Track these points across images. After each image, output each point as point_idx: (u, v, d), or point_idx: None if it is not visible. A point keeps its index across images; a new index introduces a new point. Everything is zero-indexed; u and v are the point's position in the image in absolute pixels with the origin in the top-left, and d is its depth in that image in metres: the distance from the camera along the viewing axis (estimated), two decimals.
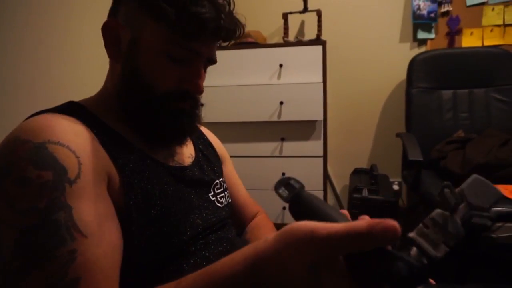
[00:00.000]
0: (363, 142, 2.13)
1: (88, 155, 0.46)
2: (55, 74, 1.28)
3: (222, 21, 0.53)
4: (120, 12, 0.55)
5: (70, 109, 0.52)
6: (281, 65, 1.76)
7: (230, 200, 0.70)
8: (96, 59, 1.41)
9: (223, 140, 0.83)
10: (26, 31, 1.16)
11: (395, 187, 2.02)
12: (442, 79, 1.85)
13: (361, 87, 2.10)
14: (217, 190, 0.66)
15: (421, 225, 0.30)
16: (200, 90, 0.56)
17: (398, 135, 1.79)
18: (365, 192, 1.56)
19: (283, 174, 1.80)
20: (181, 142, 0.62)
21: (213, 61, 0.58)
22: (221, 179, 0.69)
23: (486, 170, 1.45)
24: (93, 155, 0.47)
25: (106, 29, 0.55)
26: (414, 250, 0.29)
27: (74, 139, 0.46)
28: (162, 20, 0.51)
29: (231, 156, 0.83)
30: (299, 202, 0.38)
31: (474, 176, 0.30)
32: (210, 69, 0.61)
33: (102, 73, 0.61)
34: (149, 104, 0.54)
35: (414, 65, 1.86)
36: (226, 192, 0.69)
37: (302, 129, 1.78)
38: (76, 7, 1.39)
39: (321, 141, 1.77)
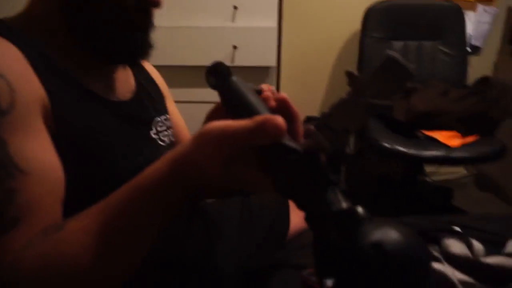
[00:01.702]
0: (315, 90, 2.16)
1: (22, 81, 0.41)
2: None
3: None
4: None
5: None
6: (235, 7, 1.68)
7: (173, 139, 0.68)
8: None
9: (171, 85, 0.78)
10: None
11: None
12: (395, 30, 1.88)
13: (316, 34, 2.08)
14: (159, 127, 0.63)
15: (326, 112, 0.30)
16: (158, 1, 0.52)
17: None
18: None
19: None
20: (133, 61, 0.58)
21: None
22: (163, 117, 0.66)
23: (427, 118, 1.55)
24: (27, 82, 0.42)
25: None
26: (308, 140, 0.31)
27: (4, 61, 0.40)
28: None
29: (178, 102, 0.79)
30: (225, 90, 0.40)
31: (388, 55, 0.28)
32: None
33: None
34: (101, 10, 0.48)
35: (369, 14, 1.86)
36: (169, 130, 0.66)
37: (255, 75, 1.74)
38: None
39: (274, 88, 1.76)
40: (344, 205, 0.28)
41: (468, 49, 1.98)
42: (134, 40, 0.53)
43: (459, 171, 2.26)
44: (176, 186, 0.35)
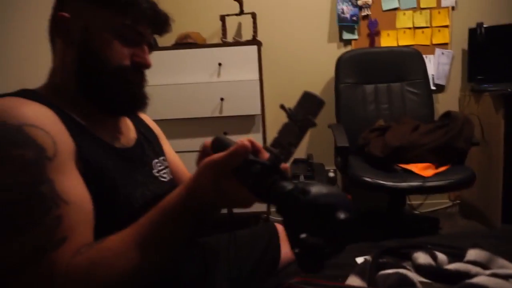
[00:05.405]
0: None
1: (59, 135, 0.53)
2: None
3: (157, 10, 0.65)
4: (67, 7, 0.62)
5: (27, 94, 0.57)
6: (220, 64, 1.87)
7: (172, 176, 0.79)
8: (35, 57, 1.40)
9: (169, 136, 0.90)
10: None
11: (331, 174, 2.21)
12: (365, 75, 2.07)
13: (295, 83, 2.28)
14: (159, 167, 0.75)
15: (275, 136, 0.44)
16: (148, 63, 0.66)
17: (329, 126, 1.98)
18: (301, 178, 1.71)
19: None
20: (134, 111, 0.71)
21: (152, 45, 0.69)
22: (161, 158, 0.77)
23: (401, 151, 1.68)
24: (61, 134, 0.54)
25: (57, 22, 0.62)
26: (269, 156, 0.44)
27: (45, 121, 0.52)
28: (113, 8, 0.60)
29: (176, 151, 0.90)
30: (216, 142, 0.56)
31: (305, 92, 0.43)
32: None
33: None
34: (106, 77, 0.62)
35: (340, 63, 2.06)
36: (168, 169, 0.78)
37: (242, 123, 1.89)
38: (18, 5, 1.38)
39: (261, 134, 1.90)
40: (291, 185, 0.41)
41: (433, 87, 2.19)
42: (133, 94, 0.66)
43: (445, 201, 2.36)
44: (190, 203, 0.48)
